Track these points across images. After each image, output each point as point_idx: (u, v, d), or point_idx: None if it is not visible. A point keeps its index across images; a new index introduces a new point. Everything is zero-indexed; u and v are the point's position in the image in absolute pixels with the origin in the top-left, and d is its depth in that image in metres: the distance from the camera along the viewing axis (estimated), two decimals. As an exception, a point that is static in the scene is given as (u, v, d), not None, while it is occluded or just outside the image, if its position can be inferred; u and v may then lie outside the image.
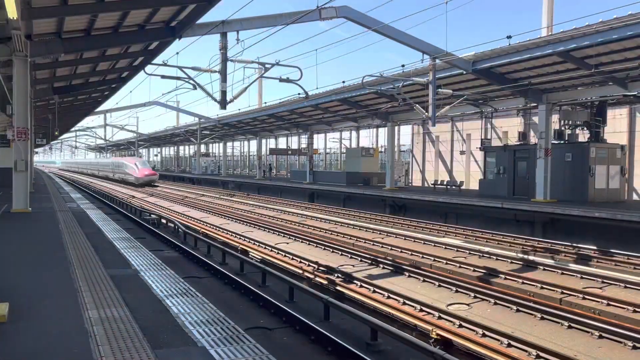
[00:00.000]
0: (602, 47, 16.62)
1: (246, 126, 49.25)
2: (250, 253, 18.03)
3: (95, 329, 5.94)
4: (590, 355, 8.85)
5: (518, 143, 27.95)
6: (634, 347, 9.01)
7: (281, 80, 17.54)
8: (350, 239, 20.03)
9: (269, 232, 22.70)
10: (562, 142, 24.54)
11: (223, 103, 14.95)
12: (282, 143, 55.03)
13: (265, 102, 39.44)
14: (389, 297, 12.41)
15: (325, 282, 14.10)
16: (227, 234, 22.33)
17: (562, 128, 24.82)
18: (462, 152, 36.00)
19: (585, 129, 24.82)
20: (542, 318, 10.62)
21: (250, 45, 19.29)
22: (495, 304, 11.66)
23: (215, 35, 15.62)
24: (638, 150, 26.29)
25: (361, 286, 13.45)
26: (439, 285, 13.26)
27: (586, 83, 21.43)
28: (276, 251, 18.22)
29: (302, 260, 16.44)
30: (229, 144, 66.78)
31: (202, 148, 66.85)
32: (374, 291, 12.97)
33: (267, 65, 16.61)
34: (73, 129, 68.75)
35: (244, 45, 15.13)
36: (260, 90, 66.07)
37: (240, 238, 21.16)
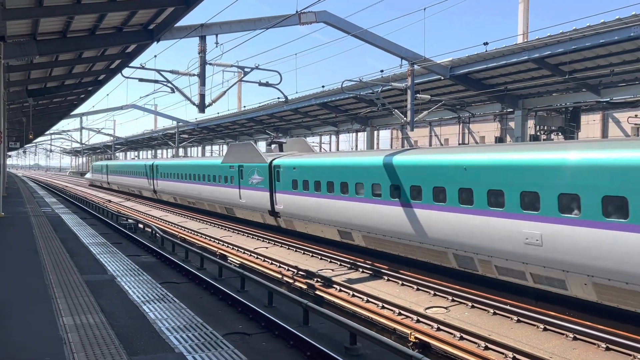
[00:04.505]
0: (576, 54, 16.98)
1: (225, 130, 49.00)
2: (229, 258, 17.92)
3: (70, 335, 5.84)
4: (564, 357, 9.00)
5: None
6: (607, 349, 9.21)
7: (260, 84, 17.49)
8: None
9: (248, 236, 22.60)
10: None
11: (202, 107, 14.84)
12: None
13: (245, 106, 39.36)
14: (368, 301, 12.46)
15: (304, 286, 14.09)
16: (205, 238, 22.16)
17: (538, 133, 25.23)
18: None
19: (560, 134, 25.30)
20: (518, 321, 10.78)
21: (230, 49, 19.31)
22: (473, 307, 11.79)
23: (194, 38, 15.55)
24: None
25: (340, 290, 13.48)
26: (418, 289, 13.35)
27: (560, 89, 21.86)
28: (255, 256, 18.15)
29: (282, 265, 16.41)
30: (208, 147, 66.35)
31: (181, 152, 66.23)
32: (353, 295, 13.01)
33: (246, 69, 16.53)
34: (48, 132, 67.53)
35: (223, 49, 15.34)
36: (240, 94, 65.90)
37: (218, 243, 21.03)
